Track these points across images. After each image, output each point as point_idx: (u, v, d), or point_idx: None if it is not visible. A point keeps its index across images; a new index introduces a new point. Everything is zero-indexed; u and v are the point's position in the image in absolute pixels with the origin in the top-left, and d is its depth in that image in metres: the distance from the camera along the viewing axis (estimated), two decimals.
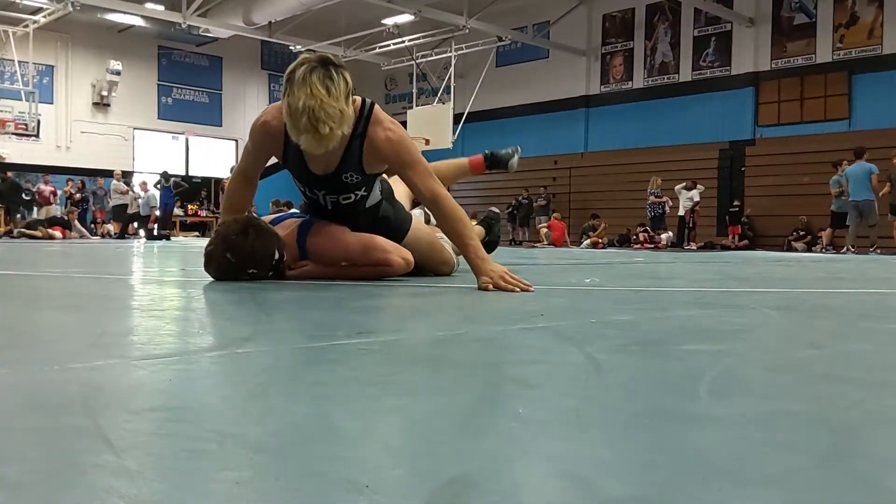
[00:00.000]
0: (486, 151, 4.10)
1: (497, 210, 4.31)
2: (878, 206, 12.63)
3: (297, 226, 2.97)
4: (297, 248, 2.93)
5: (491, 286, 2.63)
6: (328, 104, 2.47)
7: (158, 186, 17.90)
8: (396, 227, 3.17)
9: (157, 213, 17.86)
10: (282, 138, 2.78)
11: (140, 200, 17.70)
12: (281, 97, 2.61)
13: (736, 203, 16.44)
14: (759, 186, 16.56)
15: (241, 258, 2.71)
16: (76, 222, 16.30)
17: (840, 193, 13.14)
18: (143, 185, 17.86)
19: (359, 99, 2.81)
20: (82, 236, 15.93)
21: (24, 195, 17.64)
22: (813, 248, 14.31)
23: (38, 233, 15.40)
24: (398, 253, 2.97)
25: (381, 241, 2.97)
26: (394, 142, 2.82)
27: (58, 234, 15.37)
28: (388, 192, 3.23)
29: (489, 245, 4.14)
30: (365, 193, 2.99)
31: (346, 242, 2.92)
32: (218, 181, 21.49)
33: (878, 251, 12.41)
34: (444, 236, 3.56)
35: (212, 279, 2.85)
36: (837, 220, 13.58)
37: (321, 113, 2.45)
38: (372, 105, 2.86)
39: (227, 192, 3.14)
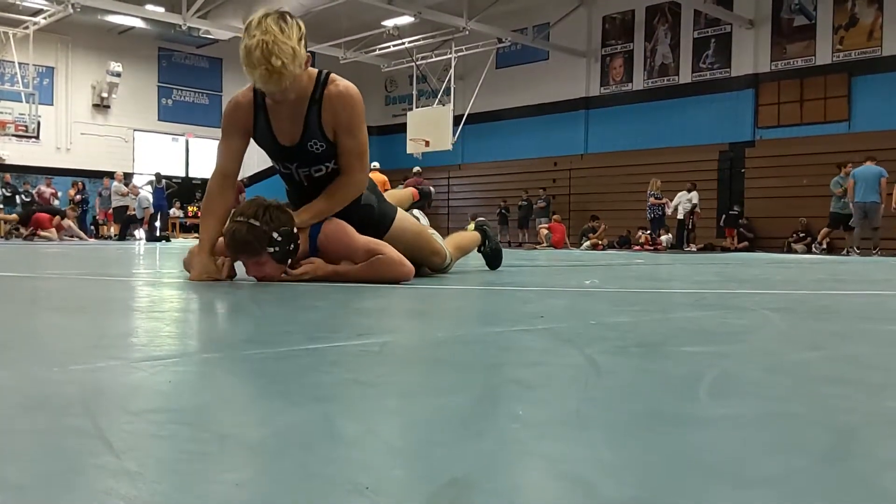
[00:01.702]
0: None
1: (482, 219, 4.44)
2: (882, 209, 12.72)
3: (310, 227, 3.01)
4: (308, 242, 2.95)
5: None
6: (280, 40, 2.62)
7: (149, 188, 17.90)
8: (380, 217, 3.20)
9: (151, 214, 17.84)
10: (251, 110, 2.95)
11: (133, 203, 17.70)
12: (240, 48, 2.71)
13: (736, 207, 16.43)
14: (758, 188, 16.57)
15: (265, 223, 2.73)
16: (71, 223, 16.16)
17: (844, 194, 13.16)
18: (134, 187, 17.82)
19: (315, 70, 2.94)
20: (72, 237, 15.81)
21: (4, 191, 17.60)
22: (813, 249, 14.30)
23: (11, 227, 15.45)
24: (401, 263, 2.95)
25: (387, 248, 2.96)
26: (345, 97, 2.92)
27: (53, 233, 15.30)
28: (372, 185, 3.28)
29: (493, 254, 4.16)
30: (335, 166, 3.04)
31: (354, 247, 2.93)
32: None
33: (880, 253, 12.43)
34: (434, 231, 3.57)
35: (211, 280, 2.85)
36: (835, 220, 13.63)
37: (274, 47, 2.61)
38: (328, 73, 2.98)
39: (206, 196, 3.05)
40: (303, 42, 2.72)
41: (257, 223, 2.70)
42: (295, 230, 2.79)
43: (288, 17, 2.70)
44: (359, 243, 2.93)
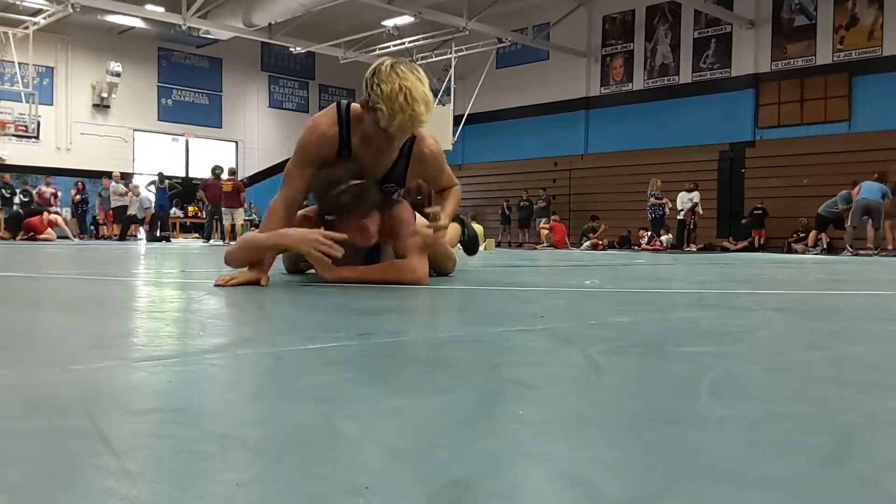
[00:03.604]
0: None
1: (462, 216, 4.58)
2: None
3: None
4: (375, 232, 3.00)
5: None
6: (419, 87, 2.64)
7: (152, 188, 17.89)
8: None
9: (153, 214, 17.84)
10: (336, 144, 2.87)
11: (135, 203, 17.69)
12: (365, 94, 2.67)
13: (759, 205, 16.22)
14: (759, 188, 16.55)
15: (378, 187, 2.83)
16: (62, 222, 16.07)
17: (848, 209, 13.26)
18: (133, 188, 17.80)
19: None
20: (62, 237, 15.75)
21: (3, 191, 17.59)
22: (811, 249, 14.30)
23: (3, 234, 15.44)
24: (421, 267, 2.98)
25: (421, 251, 3.05)
26: (436, 154, 3.04)
27: (51, 234, 15.27)
28: None
29: (470, 242, 4.36)
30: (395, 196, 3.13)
31: (402, 233, 2.99)
32: None
33: (882, 253, 12.45)
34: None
35: (211, 281, 2.85)
36: (822, 222, 13.77)
37: (416, 93, 2.61)
38: None
39: (268, 219, 2.87)
40: (430, 93, 2.75)
41: (362, 181, 2.76)
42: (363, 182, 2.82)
43: (417, 67, 2.75)
44: (412, 235, 2.99)
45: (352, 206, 2.76)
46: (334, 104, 2.92)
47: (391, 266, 2.95)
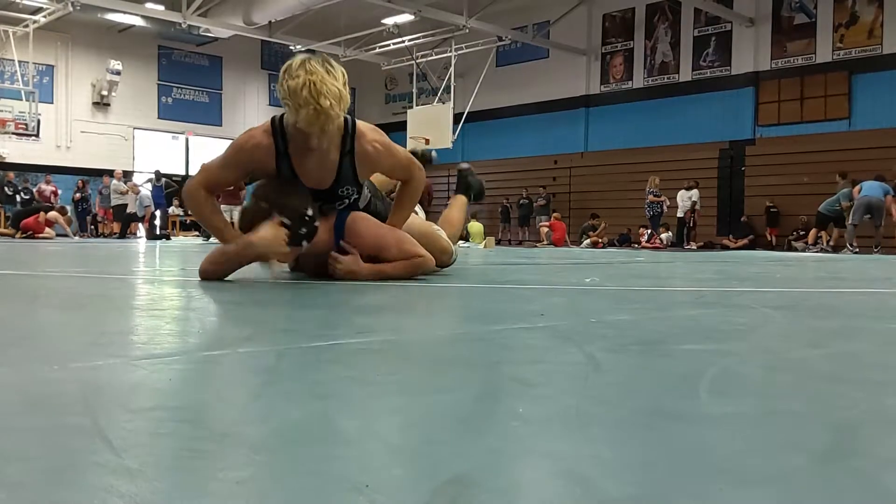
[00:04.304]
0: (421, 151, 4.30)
1: (465, 165, 4.39)
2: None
3: (335, 215, 3.03)
4: (333, 237, 2.97)
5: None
6: (328, 80, 2.61)
7: (149, 185, 17.91)
8: (386, 216, 3.24)
9: (152, 212, 17.86)
10: (272, 155, 2.85)
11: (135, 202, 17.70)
12: (277, 91, 2.70)
13: (771, 204, 16.19)
14: (759, 186, 16.55)
15: (274, 205, 2.74)
16: (62, 220, 16.06)
17: (850, 206, 13.26)
18: (134, 186, 17.81)
19: (341, 117, 2.88)
20: (60, 234, 15.75)
21: (6, 189, 17.60)
22: (811, 247, 14.30)
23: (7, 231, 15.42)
24: (423, 250, 3.06)
25: (419, 248, 3.06)
26: (380, 148, 2.97)
27: (50, 232, 15.26)
28: (374, 188, 3.35)
29: (479, 193, 4.33)
30: (357, 196, 3.08)
31: (381, 234, 3.01)
32: None
33: (880, 251, 12.45)
34: (439, 228, 3.59)
35: (212, 280, 2.85)
36: (822, 220, 13.77)
37: (322, 87, 2.58)
38: (353, 122, 2.95)
39: (198, 200, 2.91)
40: (346, 87, 2.71)
41: (264, 205, 2.75)
42: (310, 213, 2.79)
43: (331, 61, 2.70)
44: (385, 229, 3.03)
45: (249, 223, 2.79)
46: (269, 118, 2.92)
47: (405, 264, 2.99)
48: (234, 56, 23.14)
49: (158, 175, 17.94)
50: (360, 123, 2.96)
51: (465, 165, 4.30)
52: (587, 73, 19.82)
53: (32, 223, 15.27)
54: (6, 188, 17.61)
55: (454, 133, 18.59)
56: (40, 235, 14.97)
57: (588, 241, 17.55)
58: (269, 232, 2.73)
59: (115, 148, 21.24)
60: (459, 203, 4.11)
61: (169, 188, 18.38)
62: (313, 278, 2.98)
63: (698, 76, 17.84)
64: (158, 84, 22.39)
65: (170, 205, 19.27)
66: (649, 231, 16.95)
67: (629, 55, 19.09)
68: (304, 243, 2.82)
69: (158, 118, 22.37)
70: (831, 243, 13.95)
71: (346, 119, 2.89)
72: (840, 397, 1.00)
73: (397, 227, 3.05)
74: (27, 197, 17.74)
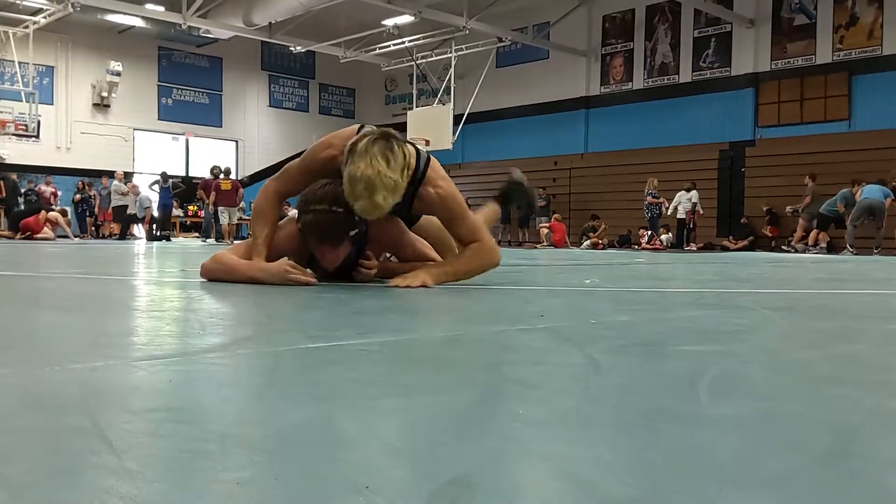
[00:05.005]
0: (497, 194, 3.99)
1: (517, 176, 3.98)
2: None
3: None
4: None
5: (409, 283, 2.77)
6: (385, 174, 2.59)
7: (156, 187, 17.91)
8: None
9: (153, 213, 17.86)
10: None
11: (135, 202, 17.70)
12: (342, 167, 2.67)
13: (769, 207, 16.21)
14: (759, 187, 16.55)
15: (347, 209, 2.70)
16: (62, 221, 16.04)
17: (845, 207, 13.28)
18: (134, 187, 17.82)
19: (413, 157, 2.85)
20: (59, 236, 15.73)
21: (20, 197, 17.63)
22: (811, 248, 14.29)
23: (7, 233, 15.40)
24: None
25: (431, 251, 3.08)
26: (442, 198, 2.92)
27: (49, 233, 15.24)
28: None
29: (527, 211, 4.12)
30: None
31: (402, 242, 3.04)
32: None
33: (880, 252, 12.46)
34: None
35: (211, 281, 2.85)
36: (823, 221, 13.78)
37: (378, 182, 2.58)
38: (426, 164, 2.91)
39: (259, 206, 2.99)
40: (405, 171, 2.69)
41: (340, 210, 2.70)
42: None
43: (395, 145, 2.67)
44: (407, 240, 3.03)
45: (310, 227, 2.77)
46: (354, 127, 2.91)
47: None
48: (235, 57, 23.14)
49: (165, 176, 17.94)
50: (432, 168, 2.91)
51: (518, 175, 3.99)
52: (587, 75, 19.82)
53: (32, 222, 15.27)
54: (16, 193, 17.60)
55: (454, 134, 18.59)
56: (38, 236, 14.94)
57: (588, 242, 17.55)
58: (280, 267, 2.76)
59: (115, 149, 21.23)
60: (489, 213, 3.87)
61: (176, 189, 18.39)
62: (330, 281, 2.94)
63: (698, 77, 17.84)
64: (158, 85, 22.38)
65: (177, 207, 19.31)
66: (649, 232, 16.94)
67: (629, 56, 19.09)
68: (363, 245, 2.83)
69: (158, 119, 22.36)
70: (821, 245, 13.95)
71: (418, 162, 2.86)
72: (840, 399, 1.00)
73: (437, 276, 2.88)
74: (32, 199, 17.71)
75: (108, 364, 1.14)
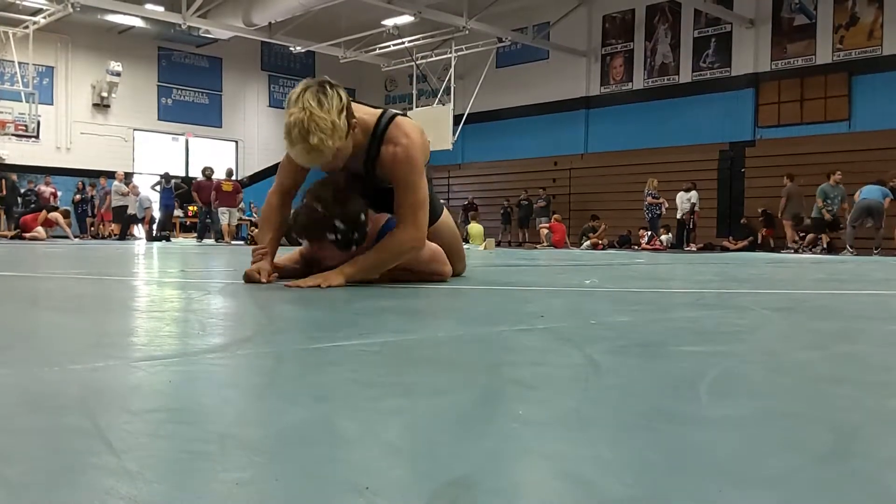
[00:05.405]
0: None
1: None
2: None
3: (387, 218, 2.92)
4: (376, 237, 2.88)
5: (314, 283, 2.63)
6: (318, 116, 2.53)
7: (158, 188, 17.92)
8: (431, 208, 3.09)
9: (152, 214, 17.88)
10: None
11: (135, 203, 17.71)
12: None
13: (762, 209, 16.23)
14: (759, 188, 16.55)
15: (329, 209, 2.68)
16: (62, 221, 16.02)
17: (824, 201, 13.33)
18: (133, 187, 17.82)
19: (372, 118, 2.81)
20: (61, 236, 15.72)
21: (19, 197, 17.62)
22: (810, 249, 14.30)
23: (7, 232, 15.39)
24: (448, 266, 3.08)
25: (443, 254, 3.06)
26: (399, 160, 2.80)
27: (41, 232, 15.21)
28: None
29: None
30: None
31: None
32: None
33: (880, 252, 12.46)
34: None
35: (211, 280, 2.85)
36: (818, 226, 13.82)
37: (311, 124, 2.52)
38: (388, 123, 2.83)
39: (266, 207, 3.06)
40: (344, 113, 2.61)
41: (319, 208, 2.69)
42: (363, 218, 2.73)
43: (328, 88, 2.60)
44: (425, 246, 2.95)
45: (303, 226, 2.77)
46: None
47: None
48: (234, 57, 23.14)
49: (168, 177, 17.96)
50: (396, 124, 2.83)
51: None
52: (587, 75, 19.83)
53: (30, 220, 15.27)
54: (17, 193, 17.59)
55: (454, 134, 18.60)
56: (27, 235, 14.80)
57: (588, 242, 17.55)
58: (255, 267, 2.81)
59: (114, 149, 21.24)
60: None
61: (179, 189, 18.39)
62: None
63: (698, 77, 17.85)
64: (158, 85, 22.39)
65: (179, 207, 19.34)
66: (649, 233, 16.94)
67: (629, 56, 19.10)
68: (354, 248, 2.77)
69: (158, 119, 22.37)
70: (822, 245, 13.95)
71: (379, 120, 2.82)
72: (840, 399, 1.00)
73: (350, 275, 2.73)
74: (32, 199, 17.69)
75: (108, 364, 1.14)
